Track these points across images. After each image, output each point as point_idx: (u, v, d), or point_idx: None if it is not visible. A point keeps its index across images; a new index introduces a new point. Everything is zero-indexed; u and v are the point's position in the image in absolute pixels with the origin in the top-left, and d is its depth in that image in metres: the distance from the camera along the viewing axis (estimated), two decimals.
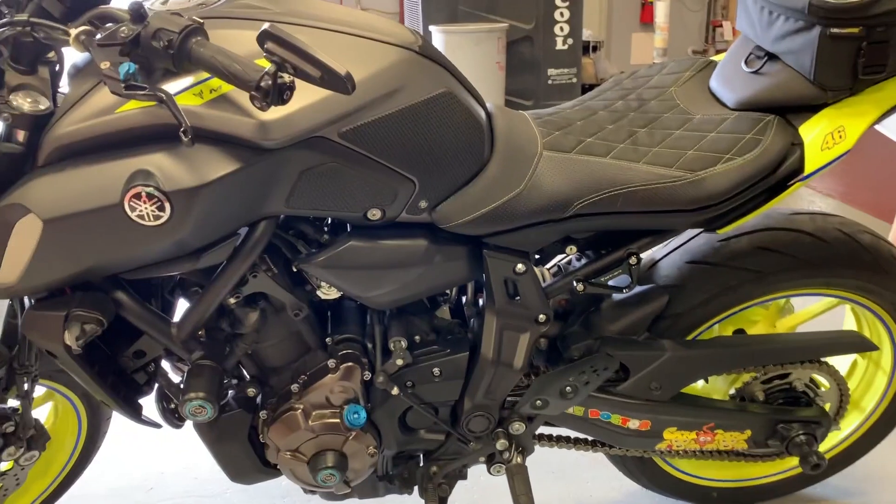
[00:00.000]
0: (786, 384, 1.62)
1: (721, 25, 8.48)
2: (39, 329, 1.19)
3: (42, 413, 1.65)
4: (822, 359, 1.60)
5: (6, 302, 1.29)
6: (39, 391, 1.59)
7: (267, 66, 0.95)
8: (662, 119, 1.38)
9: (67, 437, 1.71)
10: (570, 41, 5.63)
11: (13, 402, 1.48)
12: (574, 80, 5.76)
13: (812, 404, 1.62)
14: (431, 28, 5.32)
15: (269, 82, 0.94)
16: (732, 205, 1.30)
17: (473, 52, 5.15)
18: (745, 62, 1.40)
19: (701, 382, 1.74)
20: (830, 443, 1.79)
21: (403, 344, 1.37)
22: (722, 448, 1.61)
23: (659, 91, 1.46)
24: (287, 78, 0.96)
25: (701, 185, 1.26)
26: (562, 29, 5.59)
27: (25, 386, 1.41)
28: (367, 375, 1.38)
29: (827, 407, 1.65)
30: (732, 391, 1.67)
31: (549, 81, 5.64)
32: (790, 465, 1.80)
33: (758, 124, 1.31)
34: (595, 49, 7.11)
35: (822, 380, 1.67)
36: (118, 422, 1.81)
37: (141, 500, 1.96)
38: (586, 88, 5.92)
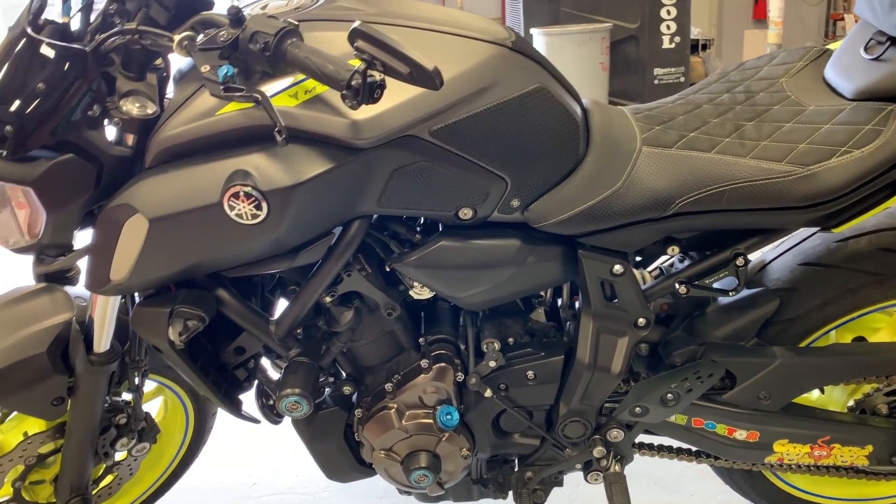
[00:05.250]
0: None
1: (842, 18, 8.03)
2: (146, 324, 1.25)
3: (153, 408, 1.73)
4: None
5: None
6: (150, 386, 1.67)
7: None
8: (772, 111, 1.30)
9: (176, 431, 1.78)
10: (677, 39, 5.47)
11: (126, 396, 1.56)
12: (682, 79, 5.59)
13: None
14: (533, 31, 5.29)
15: (360, 80, 0.94)
16: (849, 201, 1.20)
17: (576, 54, 5.08)
18: (865, 49, 1.30)
19: (816, 393, 1.63)
20: None
21: (496, 346, 1.35)
22: (839, 464, 1.50)
23: (768, 83, 1.38)
24: (378, 76, 0.96)
25: (814, 179, 1.18)
26: (668, 27, 5.44)
27: (136, 380, 1.48)
28: (460, 377, 1.37)
29: None
30: (851, 403, 1.56)
31: (656, 81, 5.50)
32: None
33: (878, 114, 1.21)
34: (705, 48, 6.87)
35: None
36: (224, 419, 1.87)
37: (245, 494, 2.02)
38: None
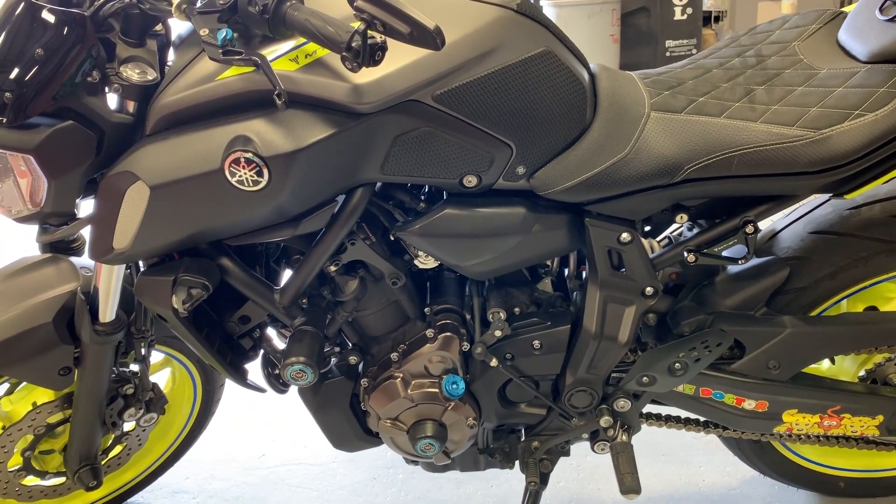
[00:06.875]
0: None
1: None
2: (150, 293, 1.24)
3: (161, 379, 1.73)
4: None
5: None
6: (158, 357, 1.67)
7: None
8: (783, 75, 1.27)
9: (184, 402, 1.79)
10: (689, 11, 5.37)
11: (133, 367, 1.56)
12: (694, 51, 5.50)
13: None
14: (542, 2, 5.21)
15: (360, 41, 0.93)
16: (862, 166, 1.18)
17: (586, 25, 5.01)
18: (881, 10, 1.26)
19: (826, 363, 1.62)
20: None
21: (502, 315, 1.34)
22: (850, 434, 1.49)
23: (780, 46, 1.34)
24: (378, 38, 0.94)
25: (825, 144, 1.15)
26: None
27: (143, 350, 1.49)
28: (466, 346, 1.36)
29: None
30: (862, 373, 1.54)
31: (668, 54, 5.40)
32: None
33: (893, 77, 1.18)
34: (717, 19, 6.76)
35: None
36: (232, 391, 1.88)
37: (254, 465, 2.03)
38: None
